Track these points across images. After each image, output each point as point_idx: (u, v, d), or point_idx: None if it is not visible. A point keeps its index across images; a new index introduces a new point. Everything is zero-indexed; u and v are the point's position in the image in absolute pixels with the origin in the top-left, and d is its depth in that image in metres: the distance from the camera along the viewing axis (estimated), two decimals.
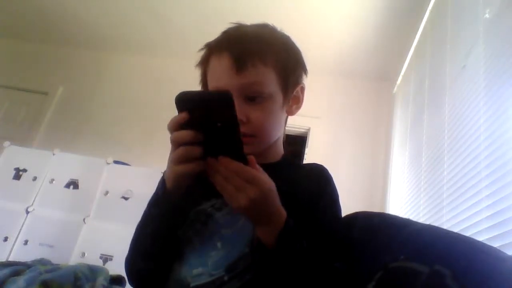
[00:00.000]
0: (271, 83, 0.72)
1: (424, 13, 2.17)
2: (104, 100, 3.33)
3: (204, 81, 0.77)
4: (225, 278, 0.64)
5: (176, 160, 0.57)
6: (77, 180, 2.01)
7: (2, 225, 1.90)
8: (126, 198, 1.94)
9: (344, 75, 3.05)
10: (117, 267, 1.67)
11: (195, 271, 0.66)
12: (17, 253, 1.83)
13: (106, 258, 1.81)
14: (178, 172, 0.58)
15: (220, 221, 0.69)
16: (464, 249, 0.51)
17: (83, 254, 1.82)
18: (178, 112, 0.56)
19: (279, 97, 0.73)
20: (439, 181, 1.46)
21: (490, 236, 0.95)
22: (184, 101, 0.54)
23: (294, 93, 0.78)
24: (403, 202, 2.06)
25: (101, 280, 1.47)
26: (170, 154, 0.58)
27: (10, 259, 1.78)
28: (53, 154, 2.09)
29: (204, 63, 0.76)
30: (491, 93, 1.12)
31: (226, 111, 0.54)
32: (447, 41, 1.68)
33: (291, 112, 0.80)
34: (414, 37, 2.36)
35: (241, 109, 0.66)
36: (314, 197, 0.70)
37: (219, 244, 0.67)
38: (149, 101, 3.20)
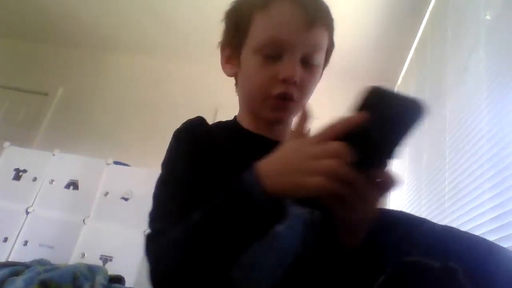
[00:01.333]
0: (324, 50, 0.67)
1: (424, 14, 2.17)
2: (104, 100, 3.32)
3: (242, 28, 0.68)
4: (285, 281, 0.57)
5: (323, 172, 0.44)
6: (77, 180, 2.00)
7: (2, 225, 1.89)
8: (126, 199, 1.93)
9: (344, 75, 3.04)
10: (117, 268, 1.66)
11: (252, 275, 0.58)
12: (17, 254, 1.82)
13: (106, 259, 1.80)
14: (316, 185, 0.44)
15: None
16: (478, 248, 0.52)
17: (83, 255, 1.81)
18: (361, 107, 0.42)
19: (321, 68, 0.69)
20: (440, 182, 1.46)
21: (493, 238, 0.95)
22: (377, 98, 0.42)
23: None
24: (403, 203, 2.05)
25: (100, 279, 1.46)
26: (306, 160, 0.45)
27: (10, 259, 1.78)
28: (53, 155, 2.09)
29: (260, 7, 0.65)
30: (494, 95, 1.12)
31: (410, 127, 0.42)
32: (447, 43, 1.68)
33: None
34: (414, 38, 2.35)
35: (298, 70, 0.61)
36: None
37: (274, 242, 0.58)
38: (149, 101, 3.19)
